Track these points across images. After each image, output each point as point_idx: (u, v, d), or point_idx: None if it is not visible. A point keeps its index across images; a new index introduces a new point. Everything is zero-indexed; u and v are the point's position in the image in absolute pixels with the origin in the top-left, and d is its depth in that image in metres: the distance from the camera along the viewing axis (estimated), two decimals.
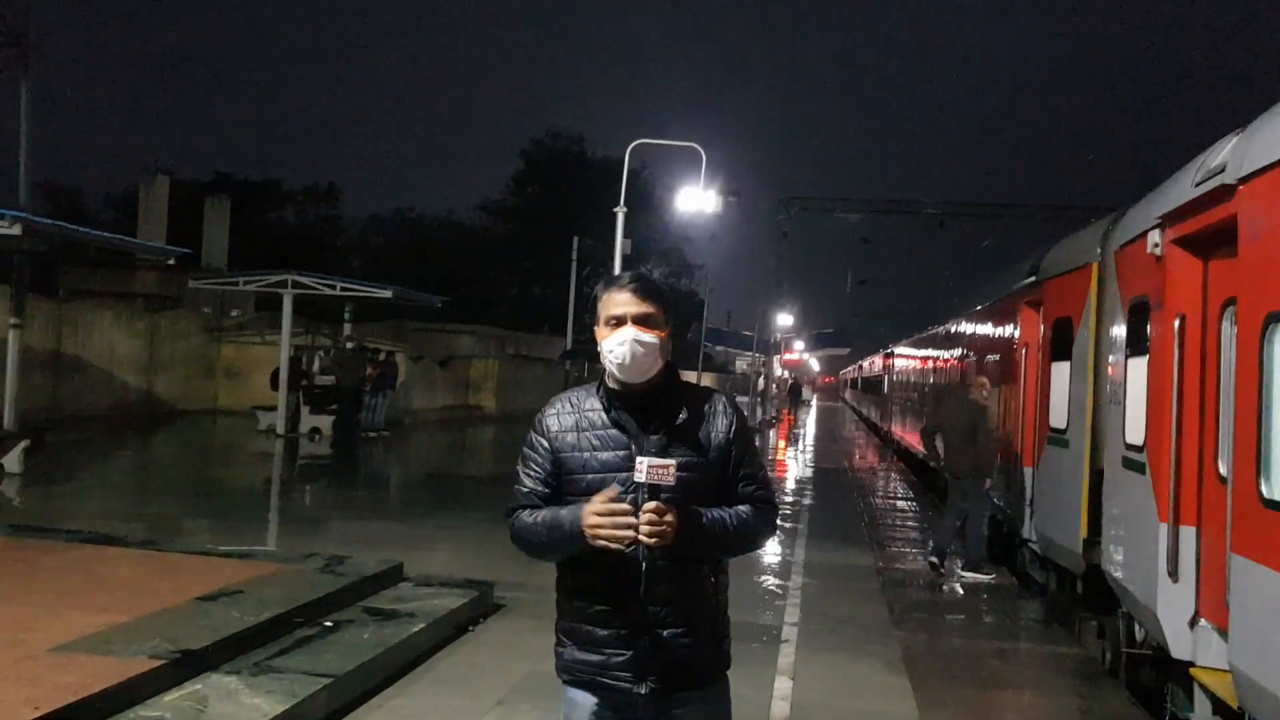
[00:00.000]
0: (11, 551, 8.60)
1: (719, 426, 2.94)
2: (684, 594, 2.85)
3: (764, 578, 10.27)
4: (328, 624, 6.99)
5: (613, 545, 2.69)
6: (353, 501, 15.54)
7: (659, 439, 2.82)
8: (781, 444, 33.53)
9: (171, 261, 19.51)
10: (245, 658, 6.07)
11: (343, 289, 24.18)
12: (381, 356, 25.85)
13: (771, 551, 12.05)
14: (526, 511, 2.91)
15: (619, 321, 2.88)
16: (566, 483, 2.90)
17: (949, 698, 6.91)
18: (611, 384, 2.95)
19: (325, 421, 23.25)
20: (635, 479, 2.71)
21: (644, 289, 2.92)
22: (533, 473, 2.95)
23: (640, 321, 2.88)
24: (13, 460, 14.12)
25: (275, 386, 23.20)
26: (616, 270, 17.87)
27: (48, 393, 22.12)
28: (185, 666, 5.67)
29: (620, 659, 2.84)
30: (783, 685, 6.82)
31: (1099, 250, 8.43)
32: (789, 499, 17.95)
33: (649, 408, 2.91)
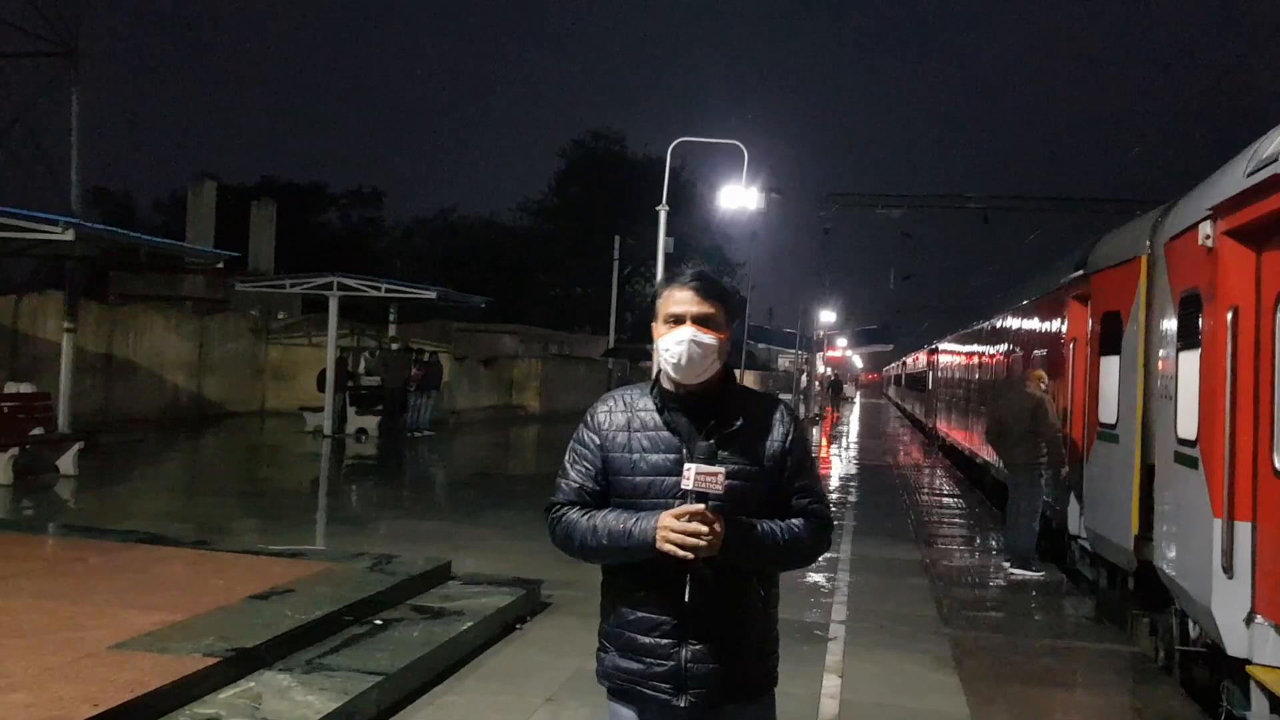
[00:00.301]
0: (68, 551, 8.76)
1: (775, 434, 2.84)
2: (730, 606, 2.76)
3: (811, 575, 10.24)
4: (378, 622, 7.05)
5: (679, 552, 2.59)
6: (399, 501, 15.67)
7: (708, 445, 2.70)
8: (824, 441, 33.40)
9: (220, 265, 19.78)
10: (298, 655, 6.15)
11: (387, 290, 24.35)
12: (426, 357, 26.04)
13: None
14: (576, 510, 2.82)
15: (678, 320, 2.80)
16: (613, 483, 2.82)
17: (999, 695, 6.86)
18: (666, 384, 2.86)
19: (371, 422, 23.45)
20: (682, 486, 2.62)
21: (706, 288, 2.82)
22: (582, 468, 2.86)
23: (700, 322, 2.78)
24: (67, 462, 14.37)
25: (321, 388, 23.43)
26: (659, 270, 17.87)
27: (100, 395, 22.49)
28: (239, 664, 5.74)
29: (661, 669, 2.76)
30: (831, 683, 6.80)
31: (1148, 243, 8.33)
32: (834, 495, 17.87)
33: (704, 411, 2.81)
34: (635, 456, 2.80)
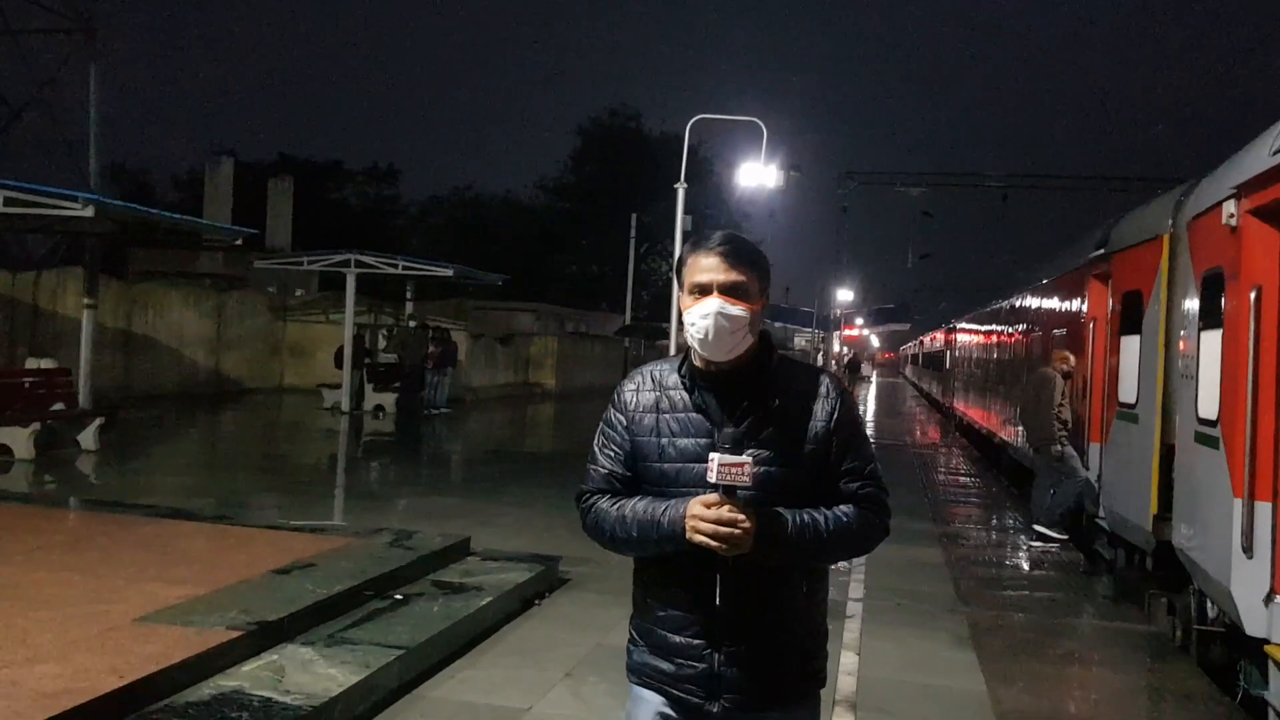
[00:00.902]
0: (92, 526, 8.84)
1: (818, 413, 2.56)
2: (769, 606, 2.52)
3: None
4: (398, 597, 7.11)
5: (712, 544, 2.38)
6: (418, 477, 15.74)
7: (735, 431, 2.48)
8: None
9: (239, 242, 19.79)
10: (319, 629, 6.20)
11: (404, 268, 24.39)
12: (441, 335, 26.12)
13: None
14: (606, 498, 2.60)
15: (703, 290, 2.53)
16: (640, 470, 2.59)
17: (1017, 673, 6.87)
18: (696, 361, 2.60)
19: (389, 399, 23.55)
20: (707, 478, 2.38)
21: (735, 253, 2.55)
22: (612, 453, 2.64)
23: (728, 291, 2.51)
24: (88, 437, 14.48)
25: (339, 365, 23.52)
26: (676, 247, 17.82)
27: (119, 371, 22.63)
28: (262, 637, 5.80)
29: (692, 671, 2.54)
30: (849, 660, 6.82)
31: (1170, 222, 8.28)
32: None
33: (738, 389, 2.55)
34: (664, 441, 2.57)
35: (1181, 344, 7.71)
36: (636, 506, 2.53)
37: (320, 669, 5.55)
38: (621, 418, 2.65)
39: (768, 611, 2.52)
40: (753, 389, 2.56)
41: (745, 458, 2.38)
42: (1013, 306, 18.50)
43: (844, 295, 55.59)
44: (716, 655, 2.51)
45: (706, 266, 2.54)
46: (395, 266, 24.17)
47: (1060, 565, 10.58)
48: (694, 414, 2.56)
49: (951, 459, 22.08)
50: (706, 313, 2.50)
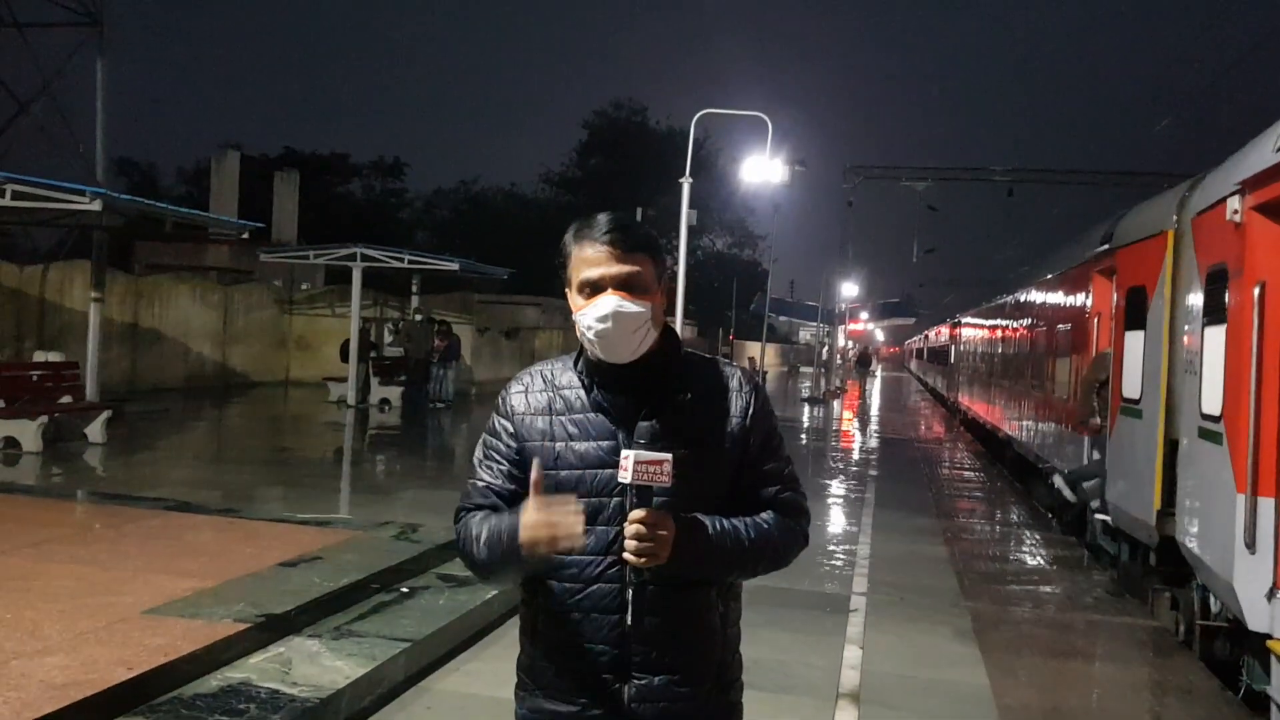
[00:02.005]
0: (100, 518, 8.89)
1: (732, 409, 2.31)
2: (683, 628, 2.23)
3: (831, 547, 10.29)
4: (404, 590, 7.14)
5: (539, 550, 2.11)
6: (423, 471, 15.78)
7: (651, 426, 2.17)
8: (847, 415, 33.39)
9: (245, 235, 19.87)
10: (326, 622, 6.24)
11: (410, 261, 24.43)
12: (446, 329, 26.17)
13: (839, 521, 12.07)
14: (478, 516, 2.30)
15: (595, 288, 2.22)
16: None
17: (1020, 667, 6.90)
18: (594, 357, 2.30)
19: (394, 392, 23.60)
20: (620, 478, 2.11)
21: (625, 240, 2.23)
22: (493, 464, 2.34)
23: (623, 286, 2.21)
24: (95, 430, 14.53)
25: (345, 358, 23.58)
26: (682, 241, 17.79)
27: (126, 365, 22.70)
28: (269, 630, 5.84)
29: (597, 713, 2.23)
30: (852, 654, 6.85)
31: (1175, 217, 8.28)
32: (855, 468, 17.91)
33: (641, 386, 2.26)
34: (559, 446, 2.26)
35: (1185, 339, 7.72)
36: (488, 521, 2.26)
37: (327, 661, 5.59)
38: (507, 424, 2.35)
39: (682, 635, 2.24)
40: (659, 384, 2.28)
41: (666, 455, 2.09)
42: (1017, 301, 18.49)
43: (849, 289, 55.51)
44: (626, 690, 2.22)
45: (594, 259, 2.23)
46: (401, 260, 24.21)
47: (1063, 560, 10.60)
48: (594, 414, 2.28)
49: (956, 453, 22.09)
50: (603, 314, 2.19)
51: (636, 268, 2.23)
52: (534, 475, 2.15)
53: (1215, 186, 7.06)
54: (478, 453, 2.40)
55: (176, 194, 48.96)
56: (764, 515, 2.30)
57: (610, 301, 2.19)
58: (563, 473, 2.22)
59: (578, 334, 2.28)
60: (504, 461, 2.33)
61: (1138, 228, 9.49)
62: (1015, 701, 6.20)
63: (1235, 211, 6.29)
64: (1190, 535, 7.20)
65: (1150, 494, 8.21)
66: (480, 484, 2.34)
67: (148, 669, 4.96)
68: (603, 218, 2.27)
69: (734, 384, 2.33)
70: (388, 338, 25.84)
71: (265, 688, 5.13)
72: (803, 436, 23.68)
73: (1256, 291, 5.93)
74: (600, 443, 2.24)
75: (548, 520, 2.08)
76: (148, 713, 4.71)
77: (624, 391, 2.26)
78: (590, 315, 2.21)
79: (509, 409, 2.35)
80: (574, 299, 2.27)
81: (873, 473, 17.39)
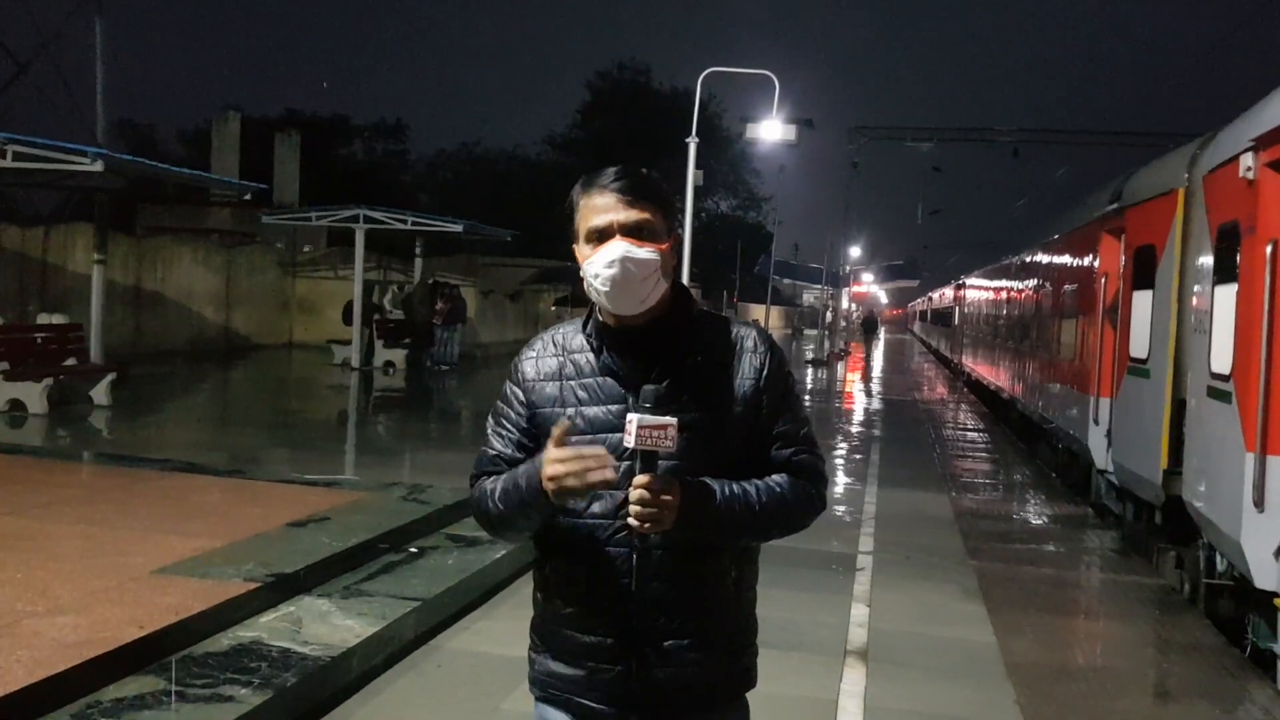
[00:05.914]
0: (108, 479, 8.91)
1: (745, 369, 2.25)
2: (692, 594, 2.20)
3: (837, 507, 10.31)
4: (413, 550, 7.17)
5: (572, 496, 2.09)
6: (429, 432, 15.81)
7: (656, 389, 2.09)
8: (851, 376, 33.40)
9: (247, 197, 19.79)
10: (336, 581, 6.27)
11: (414, 224, 24.30)
12: (451, 291, 26.09)
13: (844, 481, 12.09)
14: (491, 479, 2.28)
15: (603, 235, 2.19)
16: (545, 446, 2.17)
17: (1026, 624, 6.93)
18: (603, 318, 2.27)
19: (398, 355, 23.56)
20: (625, 442, 2.06)
21: (634, 187, 2.21)
22: (504, 432, 2.34)
23: (632, 232, 2.17)
24: (100, 392, 14.53)
25: (348, 321, 23.53)
26: (688, 202, 17.69)
27: (129, 327, 22.67)
28: (279, 589, 5.86)
29: (605, 677, 2.22)
30: (860, 612, 6.87)
31: (1186, 175, 8.23)
32: (857, 429, 17.93)
33: (651, 347, 2.22)
34: (569, 411, 2.23)
35: (1195, 299, 7.68)
36: (500, 478, 2.25)
37: (337, 620, 5.62)
38: (519, 391, 2.34)
39: (691, 601, 2.20)
40: (669, 345, 2.24)
41: (670, 418, 2.04)
42: (1023, 262, 18.43)
43: (853, 252, 55.35)
44: (635, 654, 2.20)
45: (603, 206, 2.20)
46: (404, 222, 24.08)
47: (1068, 519, 10.62)
48: (603, 378, 2.25)
49: (960, 414, 22.11)
50: (611, 259, 2.15)
51: (646, 214, 2.20)
52: (556, 432, 2.10)
53: (1228, 143, 7.00)
54: (489, 421, 2.39)
55: (177, 156, 48.63)
56: (777, 478, 2.24)
57: (618, 247, 2.16)
58: (573, 438, 2.15)
59: (585, 288, 2.24)
60: (514, 430, 2.33)
61: (1147, 186, 9.43)
62: (1022, 658, 6.23)
63: (1249, 168, 6.23)
64: (1197, 494, 7.20)
65: (1157, 453, 8.21)
66: (490, 452, 2.34)
67: (159, 628, 4.98)
68: (611, 169, 2.26)
69: (749, 344, 2.29)
70: (388, 299, 25.76)
71: (276, 646, 5.15)
72: (807, 399, 23.68)
73: (1269, 249, 5.89)
74: (610, 406, 2.21)
75: (578, 453, 2.06)
76: (159, 671, 4.73)
77: (633, 354, 2.23)
78: (598, 262, 2.17)
79: (520, 376, 2.34)
80: (581, 250, 2.24)
81: (877, 433, 17.40)
